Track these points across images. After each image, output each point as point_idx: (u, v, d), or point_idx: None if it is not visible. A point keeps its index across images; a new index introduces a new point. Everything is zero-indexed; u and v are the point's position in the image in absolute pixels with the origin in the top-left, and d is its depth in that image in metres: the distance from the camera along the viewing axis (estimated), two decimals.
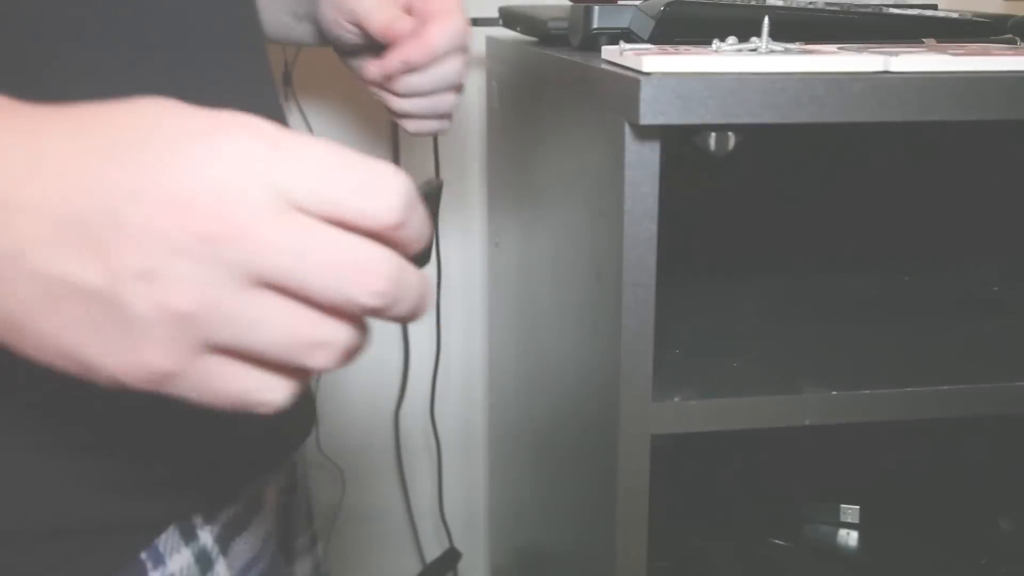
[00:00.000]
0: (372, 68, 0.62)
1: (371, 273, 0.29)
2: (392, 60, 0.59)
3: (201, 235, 0.28)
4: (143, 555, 0.45)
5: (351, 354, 0.32)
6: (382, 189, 0.30)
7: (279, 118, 0.55)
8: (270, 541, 0.54)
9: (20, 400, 0.41)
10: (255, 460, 0.52)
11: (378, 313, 0.31)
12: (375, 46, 0.62)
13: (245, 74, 0.51)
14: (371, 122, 1.06)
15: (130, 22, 0.43)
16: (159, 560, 0.46)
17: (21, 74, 0.39)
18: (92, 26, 0.41)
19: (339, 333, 0.31)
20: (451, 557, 1.20)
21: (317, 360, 0.31)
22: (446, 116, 0.65)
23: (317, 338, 0.30)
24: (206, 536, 0.49)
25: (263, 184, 0.28)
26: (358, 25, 0.61)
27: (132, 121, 0.29)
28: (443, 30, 0.58)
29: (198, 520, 0.49)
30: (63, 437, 0.43)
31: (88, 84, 0.40)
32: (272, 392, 0.31)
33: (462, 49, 0.61)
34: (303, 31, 0.67)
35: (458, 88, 0.64)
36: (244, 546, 0.51)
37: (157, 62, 0.44)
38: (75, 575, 0.43)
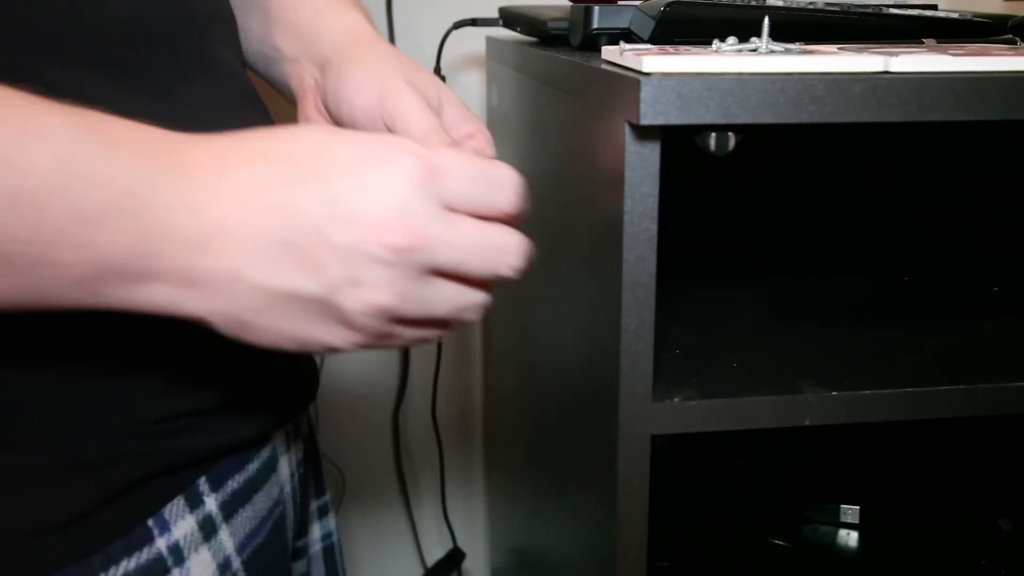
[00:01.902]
0: None
1: (510, 253, 0.40)
2: None
3: (394, 248, 0.36)
4: (150, 522, 0.47)
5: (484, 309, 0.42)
6: (505, 187, 0.40)
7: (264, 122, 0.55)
8: (269, 519, 0.55)
9: (57, 328, 0.42)
10: (272, 410, 0.54)
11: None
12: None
13: (225, 86, 0.51)
14: None
15: (98, 40, 0.43)
16: (165, 527, 0.47)
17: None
18: (55, 44, 0.42)
19: (482, 297, 0.41)
20: (455, 557, 1.20)
21: (471, 316, 0.41)
22: None
23: (472, 302, 0.41)
24: (211, 503, 0.50)
25: (430, 198, 0.37)
26: (390, 121, 0.52)
27: (306, 152, 0.38)
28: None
29: (204, 487, 0.50)
30: (94, 364, 0.44)
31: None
32: (439, 335, 0.42)
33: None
34: (278, 73, 0.60)
35: None
36: (247, 516, 0.53)
37: (130, 82, 0.45)
38: (96, 526, 0.44)
